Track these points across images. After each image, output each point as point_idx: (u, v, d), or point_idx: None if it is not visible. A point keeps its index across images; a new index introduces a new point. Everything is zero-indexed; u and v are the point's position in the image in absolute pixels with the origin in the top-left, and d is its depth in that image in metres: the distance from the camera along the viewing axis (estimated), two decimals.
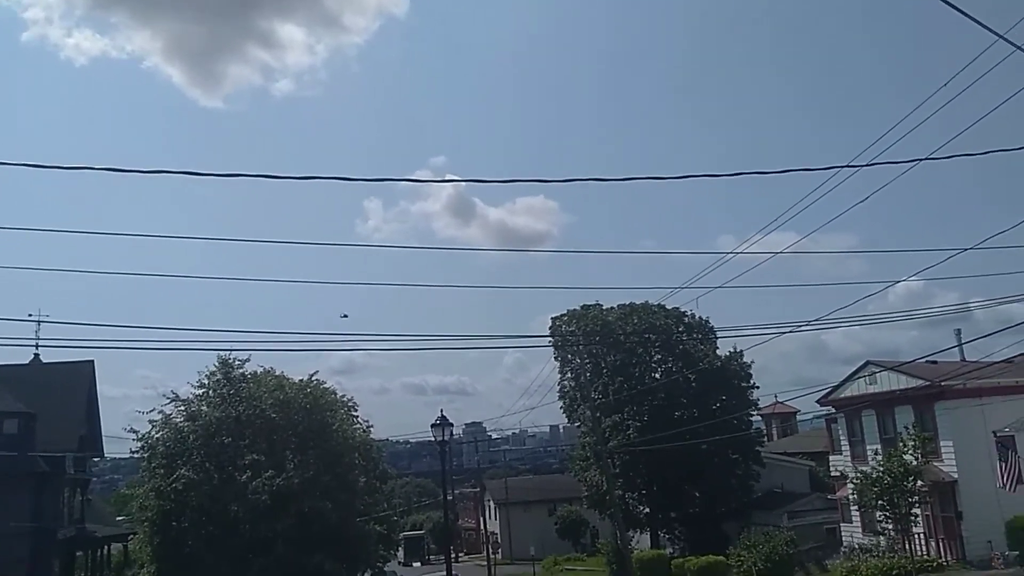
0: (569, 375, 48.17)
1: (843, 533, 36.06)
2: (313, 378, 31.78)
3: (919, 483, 27.52)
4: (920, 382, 30.49)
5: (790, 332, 22.26)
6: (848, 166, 10.99)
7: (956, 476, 29.15)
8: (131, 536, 35.92)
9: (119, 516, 44.53)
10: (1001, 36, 7.73)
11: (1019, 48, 7.74)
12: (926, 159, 11.06)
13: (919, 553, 28.40)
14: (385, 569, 40.38)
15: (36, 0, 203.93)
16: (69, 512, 42.09)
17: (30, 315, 37.76)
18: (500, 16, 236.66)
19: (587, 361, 45.38)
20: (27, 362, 40.05)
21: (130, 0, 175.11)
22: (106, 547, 46.25)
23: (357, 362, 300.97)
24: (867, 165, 10.71)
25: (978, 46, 9.75)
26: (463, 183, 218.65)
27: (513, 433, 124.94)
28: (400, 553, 63.75)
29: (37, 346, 37.09)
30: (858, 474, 29.31)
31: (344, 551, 29.67)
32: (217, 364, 30.10)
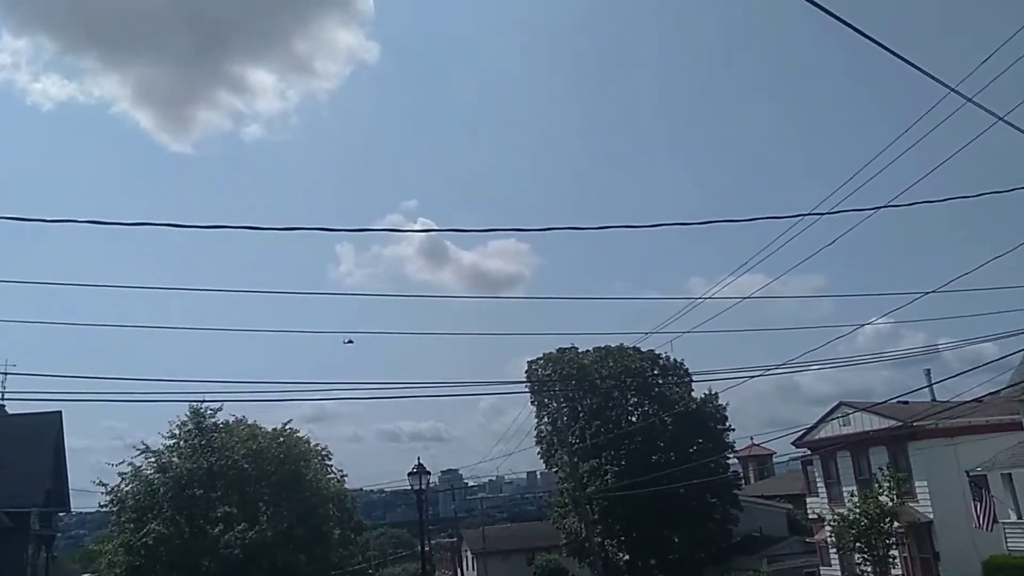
0: (546, 419, 47.97)
1: None
2: (286, 427, 31.40)
3: (895, 524, 27.67)
4: (893, 423, 30.81)
5: (761, 375, 22.50)
6: (812, 214, 11.35)
7: (932, 516, 29.31)
8: None
9: (84, 573, 43.20)
10: (952, 89, 8.09)
11: (971, 101, 8.09)
12: (886, 206, 11.45)
13: None
14: None
15: (4, 45, 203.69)
16: (32, 570, 40.74)
17: None
18: (469, 62, 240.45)
19: (564, 405, 45.29)
20: None
21: (99, 45, 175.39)
22: None
23: (330, 409, 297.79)
24: (830, 213, 11.06)
25: (934, 95, 10.17)
26: (436, 227, 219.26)
27: (490, 480, 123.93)
28: None
29: (3, 397, 36.51)
30: (835, 516, 29.39)
31: None
32: (188, 414, 29.67)
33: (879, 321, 35.53)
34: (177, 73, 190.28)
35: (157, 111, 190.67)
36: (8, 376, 34.60)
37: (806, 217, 12.07)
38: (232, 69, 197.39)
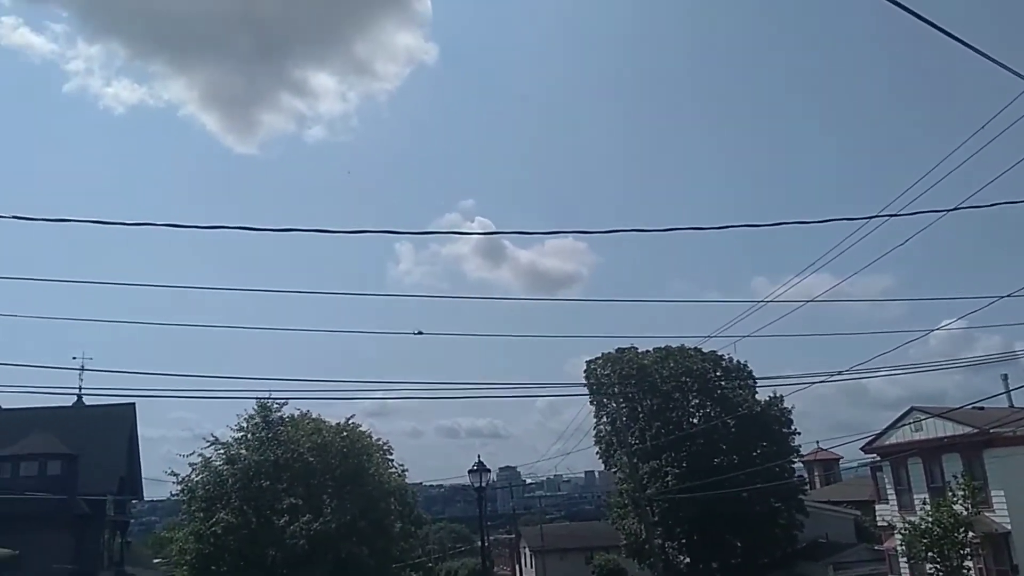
0: (605, 419, 47.56)
1: None
2: (349, 421, 31.90)
3: (970, 534, 26.64)
4: (968, 429, 29.68)
5: (828, 380, 21.92)
6: (883, 215, 10.95)
7: (1009, 527, 28.14)
8: None
9: (156, 559, 44.65)
10: None
11: None
12: (961, 208, 10.98)
13: None
14: None
15: (79, 52, 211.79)
16: (108, 554, 42.44)
17: (74, 358, 38.81)
18: (527, 60, 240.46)
19: (623, 405, 44.84)
20: (70, 404, 40.99)
21: (168, 49, 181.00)
22: None
23: (391, 404, 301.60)
24: (902, 214, 10.67)
25: (1013, 90, 9.72)
26: (494, 226, 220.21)
27: (548, 478, 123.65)
28: None
29: (80, 389, 38.03)
30: (906, 525, 28.49)
31: None
32: (256, 408, 30.36)
33: (951, 325, 34.04)
34: (241, 76, 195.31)
35: (223, 113, 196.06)
36: (85, 370, 36.09)
37: (876, 217, 11.67)
38: (294, 72, 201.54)
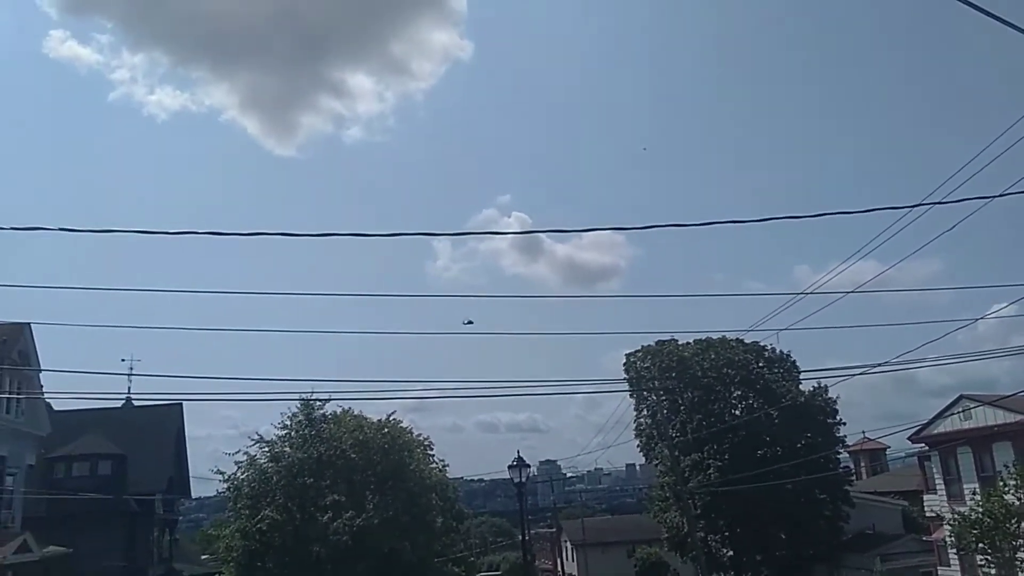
0: (645, 413, 47.17)
1: None
2: (391, 418, 32.18)
3: (1023, 525, 25.88)
4: (1019, 417, 28.95)
5: (871, 372, 21.49)
6: (927, 203, 10.66)
7: None
8: (216, 575, 36.80)
9: (204, 555, 45.58)
10: None
11: None
12: (1007, 193, 10.64)
13: None
14: None
15: (123, 62, 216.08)
16: (158, 551, 43.39)
17: (123, 360, 39.59)
18: (560, 56, 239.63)
19: (664, 398, 44.47)
20: (120, 405, 41.89)
21: (209, 56, 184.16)
22: None
23: (430, 400, 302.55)
24: (946, 202, 10.36)
25: None
26: (531, 220, 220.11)
27: (588, 472, 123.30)
28: None
29: (129, 391, 39.01)
30: (955, 515, 27.81)
31: None
32: (299, 406, 30.75)
33: (998, 314, 33.16)
34: (280, 79, 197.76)
35: (263, 117, 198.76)
36: (134, 375, 37.14)
37: (920, 205, 11.37)
38: (332, 74, 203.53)
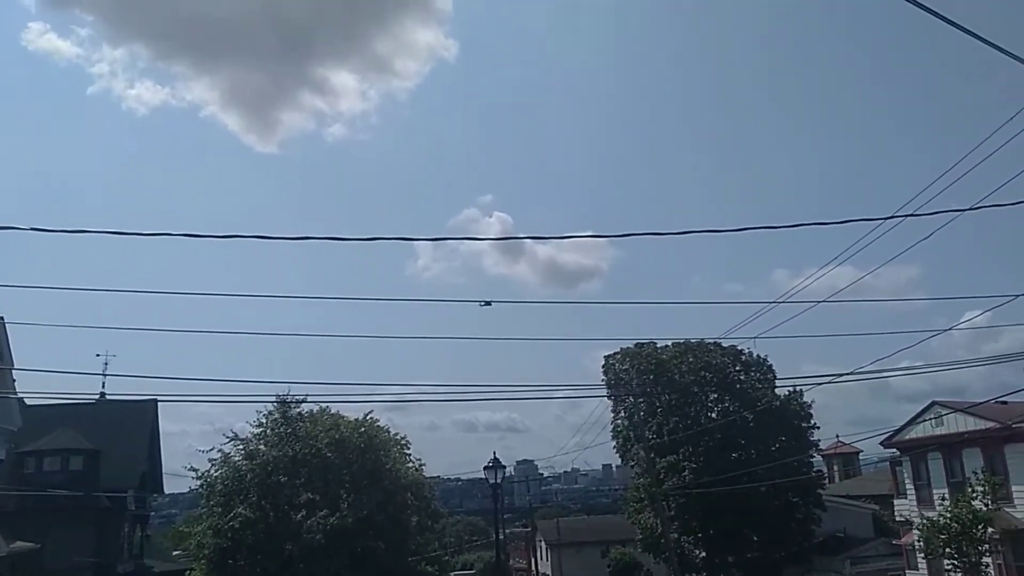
0: (623, 414, 47.43)
1: None
2: (367, 416, 32.08)
3: (990, 530, 26.36)
4: (990, 424, 29.40)
5: (844, 381, 21.74)
6: (900, 216, 10.81)
7: None
8: (187, 572, 36.54)
9: (175, 551, 45.11)
10: None
11: None
12: (983, 206, 10.82)
13: None
14: None
15: (103, 55, 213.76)
16: (128, 547, 42.99)
17: (97, 355, 39.19)
18: (546, 56, 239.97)
19: (641, 401, 44.80)
20: (93, 401, 41.39)
21: (190, 51, 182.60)
22: None
23: (408, 398, 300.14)
24: (920, 215, 10.52)
25: None
26: (512, 221, 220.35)
27: (565, 472, 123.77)
28: None
29: (104, 386, 38.58)
30: (924, 520, 28.24)
31: None
32: (275, 404, 30.56)
33: (971, 324, 33.63)
34: (263, 76, 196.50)
35: (244, 113, 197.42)
36: (108, 375, 36.75)
37: (901, 208, 11.53)
38: (316, 71, 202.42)
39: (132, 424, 41.90)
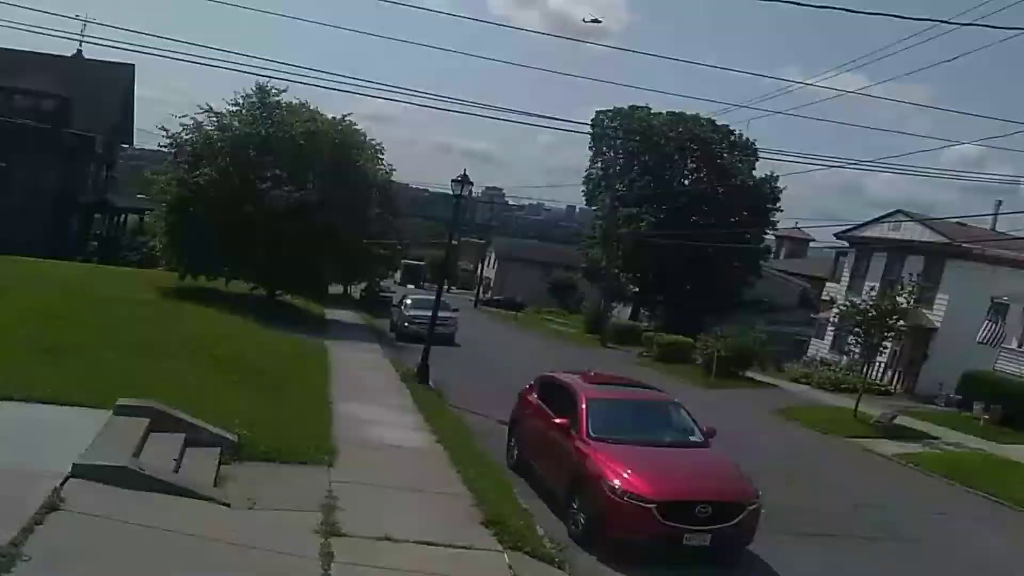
0: (600, 165, 49.12)
1: (811, 347, 37.62)
2: (346, 118, 31.61)
3: (900, 323, 27.50)
4: (941, 239, 30.47)
5: (834, 167, 21.83)
6: (942, 21, 10.27)
7: (938, 326, 29.98)
8: (148, 211, 37.87)
9: (140, 195, 46.05)
10: None
11: None
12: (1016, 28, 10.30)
13: (873, 378, 29.45)
14: (381, 285, 46.26)
15: None
16: (94, 183, 44.10)
17: (76, 16, 37.06)
18: None
19: (620, 156, 46.08)
20: (70, 55, 40.79)
21: None
22: (124, 216, 48.88)
23: (390, 111, 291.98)
24: (953, 22, 10.03)
25: None
26: None
27: (530, 203, 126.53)
28: (398, 275, 67.33)
29: (81, 44, 37.26)
30: (848, 301, 29.29)
31: (346, 263, 32.30)
32: (254, 88, 29.63)
33: (962, 147, 33.38)
34: None
35: None
36: (87, 25, 34.58)
37: (921, 23, 11.00)
38: None
39: (108, 81, 41.36)
